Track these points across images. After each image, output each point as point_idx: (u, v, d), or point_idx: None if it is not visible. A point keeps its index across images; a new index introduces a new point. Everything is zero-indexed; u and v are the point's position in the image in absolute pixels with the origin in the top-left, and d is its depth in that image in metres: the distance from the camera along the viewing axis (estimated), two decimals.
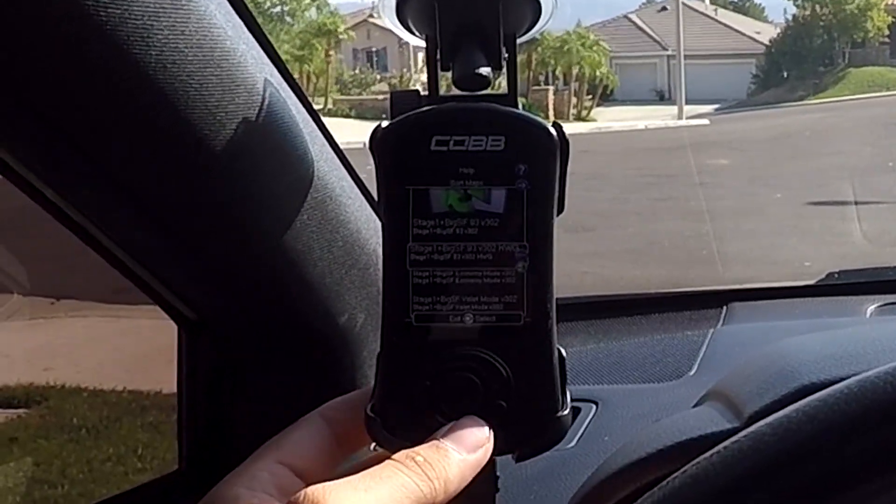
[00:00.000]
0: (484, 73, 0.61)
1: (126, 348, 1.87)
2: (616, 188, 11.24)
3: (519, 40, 0.64)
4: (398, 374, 0.61)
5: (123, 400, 1.84)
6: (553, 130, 0.60)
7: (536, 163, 0.60)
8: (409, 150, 0.60)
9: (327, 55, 27.35)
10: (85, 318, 1.81)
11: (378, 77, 29.85)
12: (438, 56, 0.62)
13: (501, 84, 0.63)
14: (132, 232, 0.76)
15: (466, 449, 0.58)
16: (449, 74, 0.62)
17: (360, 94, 27.88)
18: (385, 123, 0.61)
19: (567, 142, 0.61)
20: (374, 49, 31.87)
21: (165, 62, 0.63)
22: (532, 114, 0.61)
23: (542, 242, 0.60)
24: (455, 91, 0.62)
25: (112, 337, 1.89)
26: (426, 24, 0.63)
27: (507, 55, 0.63)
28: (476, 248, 0.60)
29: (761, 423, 0.65)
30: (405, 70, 27.47)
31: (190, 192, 0.73)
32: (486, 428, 0.59)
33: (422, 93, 0.63)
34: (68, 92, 0.63)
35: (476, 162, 0.60)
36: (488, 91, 0.62)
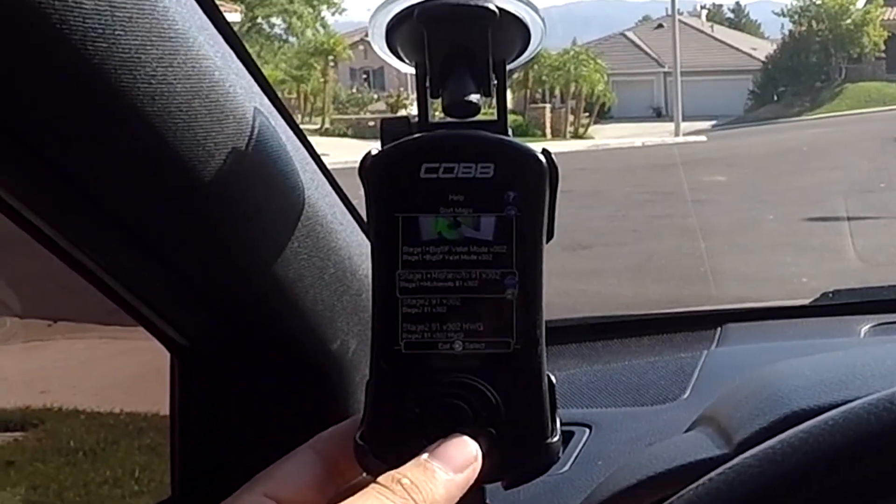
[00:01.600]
0: (474, 100, 0.61)
1: (123, 370, 1.87)
2: (613, 205, 11.26)
3: (508, 67, 0.64)
4: (387, 402, 0.61)
5: (120, 422, 1.84)
6: (542, 157, 0.61)
7: (526, 190, 0.60)
8: (399, 177, 0.60)
9: (325, 74, 27.40)
10: (82, 339, 1.81)
11: (375, 96, 29.93)
12: (428, 83, 0.62)
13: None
14: (122, 259, 0.76)
15: (453, 468, 0.58)
16: (439, 101, 0.63)
17: (357, 113, 27.94)
18: (374, 150, 0.61)
19: (556, 168, 0.61)
20: (371, 68, 31.97)
21: (154, 94, 0.63)
22: (521, 141, 0.61)
23: (532, 269, 0.60)
24: (445, 117, 0.62)
25: (109, 358, 1.89)
26: (416, 51, 0.63)
27: (496, 81, 0.62)
28: (465, 275, 0.60)
29: (748, 453, 0.65)
30: (402, 89, 27.51)
31: (180, 220, 0.73)
32: (474, 445, 0.59)
33: (412, 119, 0.64)
34: (56, 123, 0.63)
35: (465, 189, 0.60)
36: (478, 117, 0.62)
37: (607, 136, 25.91)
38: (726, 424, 0.80)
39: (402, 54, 0.65)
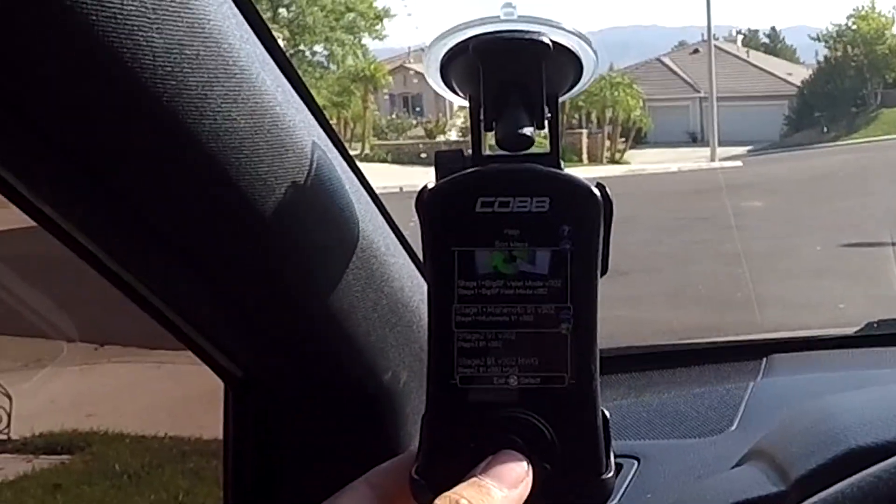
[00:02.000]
0: (527, 133, 0.61)
1: (168, 393, 1.88)
2: (649, 231, 11.20)
3: (561, 99, 0.65)
4: (443, 436, 0.61)
5: (165, 446, 1.86)
6: (597, 191, 0.61)
7: (581, 224, 0.60)
8: (455, 211, 0.61)
9: (365, 101, 27.50)
10: (127, 363, 1.83)
11: (414, 122, 29.95)
12: (482, 115, 0.62)
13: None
14: (181, 290, 0.77)
15: (507, 485, 0.58)
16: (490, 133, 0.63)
17: (396, 138, 27.97)
18: (430, 184, 0.62)
19: (611, 202, 0.61)
20: (410, 94, 32.03)
21: (218, 130, 0.64)
22: (576, 175, 0.61)
23: (586, 304, 0.61)
24: (498, 150, 0.62)
25: (154, 382, 1.91)
26: (470, 84, 0.63)
27: (549, 114, 0.63)
28: (520, 309, 0.60)
29: (817, 497, 0.65)
30: (441, 115, 27.55)
31: (240, 254, 0.74)
32: (525, 461, 0.59)
33: (465, 152, 0.64)
34: (125, 157, 0.64)
35: (521, 223, 0.60)
36: (531, 150, 0.62)
37: (643, 161, 25.82)
38: (781, 460, 0.80)
39: (456, 87, 0.65)
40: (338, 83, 27.71)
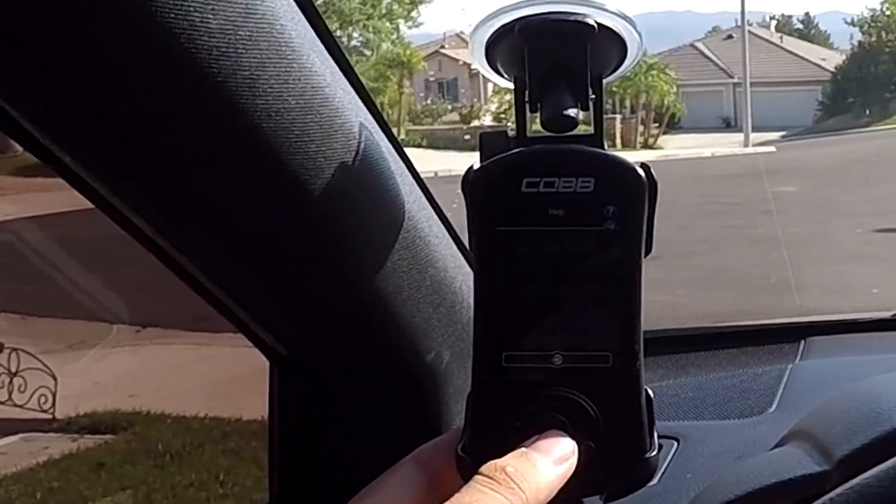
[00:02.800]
0: (572, 115, 0.61)
1: (208, 375, 1.90)
2: (683, 216, 11.15)
3: (605, 81, 0.65)
4: (488, 415, 0.61)
5: (206, 426, 1.88)
6: (641, 171, 0.61)
7: (625, 204, 0.60)
8: (501, 191, 0.61)
9: (400, 86, 27.49)
10: (169, 345, 1.85)
11: (449, 107, 29.88)
12: (527, 97, 0.63)
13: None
14: (229, 269, 0.78)
15: (554, 460, 0.58)
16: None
17: (431, 123, 27.93)
18: (476, 165, 0.62)
19: (655, 182, 0.61)
20: (445, 80, 31.96)
21: (270, 111, 0.65)
22: (620, 156, 0.62)
23: (631, 283, 0.61)
24: (541, 131, 0.62)
25: (195, 364, 1.93)
26: (515, 66, 0.63)
27: (593, 96, 0.63)
28: (565, 289, 0.60)
29: (867, 474, 0.64)
30: (475, 100, 27.49)
31: (289, 233, 0.75)
32: (571, 441, 0.59)
33: (509, 133, 0.64)
34: (179, 137, 0.65)
35: (566, 203, 0.60)
36: (575, 132, 0.62)
37: (677, 146, 25.71)
38: (823, 440, 0.79)
39: (500, 69, 0.66)
40: (374, 69, 27.71)
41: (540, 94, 0.62)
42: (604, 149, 0.62)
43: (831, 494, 0.65)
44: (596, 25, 0.61)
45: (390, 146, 0.83)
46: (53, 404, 1.85)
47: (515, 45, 0.62)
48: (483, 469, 0.56)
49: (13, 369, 1.92)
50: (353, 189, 0.75)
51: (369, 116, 0.79)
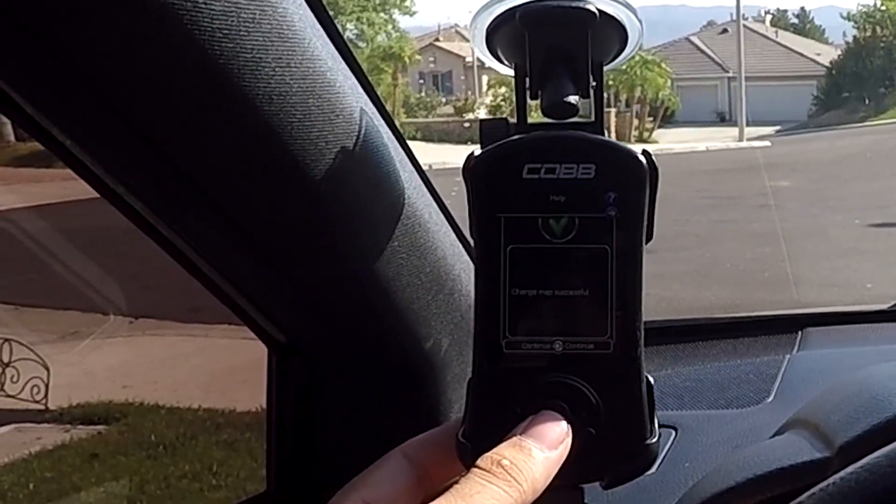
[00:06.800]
0: (572, 102, 0.61)
1: (202, 366, 1.90)
2: (677, 210, 11.17)
3: (605, 68, 0.65)
4: (489, 400, 0.61)
5: (199, 418, 1.88)
6: (643, 158, 0.61)
7: (626, 191, 0.60)
8: (502, 178, 0.61)
9: (394, 79, 27.50)
10: (163, 336, 1.85)
11: (443, 100, 29.88)
12: (527, 84, 0.63)
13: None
14: (228, 255, 0.78)
15: (548, 446, 0.58)
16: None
17: (425, 116, 27.93)
18: (477, 151, 0.62)
19: (656, 169, 0.61)
20: (439, 72, 31.98)
21: (272, 94, 0.65)
22: (621, 143, 0.61)
23: (631, 270, 0.60)
24: (542, 118, 0.62)
25: (189, 355, 1.93)
26: (515, 53, 0.63)
27: (594, 83, 0.63)
28: (566, 275, 0.60)
29: (878, 453, 0.64)
30: (469, 93, 27.50)
31: (288, 218, 0.75)
32: (564, 422, 0.59)
33: (510, 120, 0.64)
34: (180, 121, 0.65)
35: (567, 190, 0.60)
36: (575, 119, 0.62)
37: (671, 140, 25.75)
38: (824, 427, 0.80)
39: (501, 56, 0.66)
40: (368, 61, 27.70)
41: (540, 81, 0.62)
42: (604, 136, 0.62)
43: (841, 474, 0.65)
44: (597, 12, 0.61)
45: (390, 132, 0.83)
46: (46, 395, 1.85)
47: (516, 31, 0.62)
48: (479, 462, 0.57)
49: (6, 359, 1.92)
50: (354, 173, 0.75)
51: (369, 102, 0.79)
